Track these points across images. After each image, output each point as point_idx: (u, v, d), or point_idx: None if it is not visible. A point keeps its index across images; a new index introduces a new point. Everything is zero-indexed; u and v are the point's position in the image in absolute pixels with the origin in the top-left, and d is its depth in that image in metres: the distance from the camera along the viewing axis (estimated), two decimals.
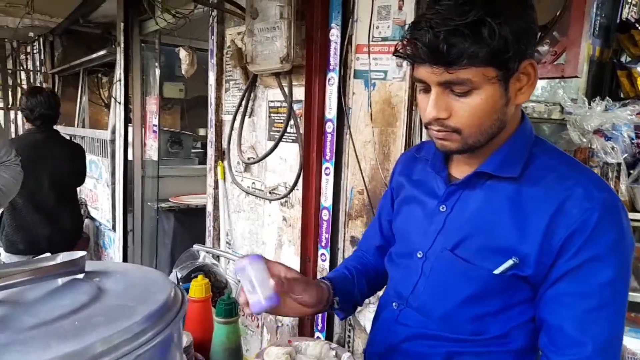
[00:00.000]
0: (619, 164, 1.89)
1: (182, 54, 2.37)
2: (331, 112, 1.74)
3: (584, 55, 1.16)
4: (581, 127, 1.94)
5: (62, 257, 0.59)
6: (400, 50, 0.77)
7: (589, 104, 1.97)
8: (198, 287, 1.30)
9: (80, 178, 3.19)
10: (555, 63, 1.21)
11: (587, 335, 0.72)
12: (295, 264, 1.96)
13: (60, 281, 0.57)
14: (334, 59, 1.71)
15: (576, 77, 1.16)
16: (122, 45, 3.41)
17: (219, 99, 2.40)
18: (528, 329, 0.81)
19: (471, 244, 0.81)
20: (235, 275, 0.83)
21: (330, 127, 1.75)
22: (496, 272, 0.77)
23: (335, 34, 1.70)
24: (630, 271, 0.76)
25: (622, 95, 2.27)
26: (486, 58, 0.69)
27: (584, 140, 1.95)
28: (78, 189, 4.44)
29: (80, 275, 0.59)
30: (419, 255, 0.89)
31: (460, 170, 0.87)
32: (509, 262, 0.76)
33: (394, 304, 0.94)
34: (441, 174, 0.89)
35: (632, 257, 0.76)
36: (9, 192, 1.64)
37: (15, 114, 6.88)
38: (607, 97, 1.99)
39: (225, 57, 2.34)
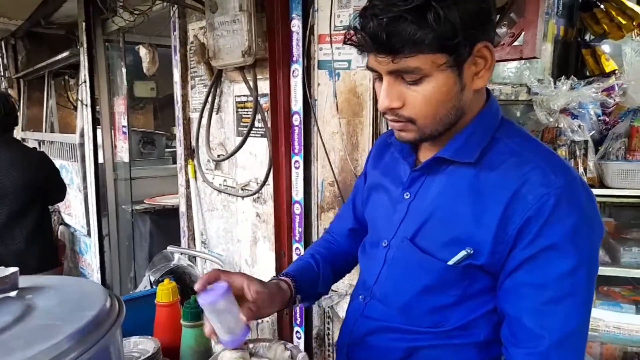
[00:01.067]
0: (586, 142, 1.90)
1: (142, 51, 2.31)
2: (297, 104, 1.71)
3: (541, 36, 1.15)
4: (548, 107, 1.95)
5: None
6: (349, 40, 0.74)
7: (555, 83, 1.98)
8: (165, 292, 1.27)
9: (39, 192, 2.50)
10: (514, 45, 1.20)
11: (544, 329, 0.70)
12: (271, 259, 1.94)
13: None
14: (297, 50, 1.67)
15: (535, 57, 1.16)
16: (85, 45, 3.31)
17: (185, 96, 2.35)
18: (492, 320, 0.79)
19: (429, 233, 0.80)
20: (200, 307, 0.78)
21: (297, 120, 1.72)
22: (450, 262, 0.76)
23: (296, 24, 1.66)
24: (597, 258, 0.73)
25: (587, 74, 2.29)
26: (433, 44, 0.66)
27: (551, 119, 1.96)
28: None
29: (13, 293, 0.55)
30: (383, 244, 0.87)
31: (426, 155, 0.84)
32: (462, 253, 0.74)
33: (360, 296, 0.92)
34: (408, 159, 0.87)
35: (599, 243, 0.74)
36: None
37: None
38: (573, 76, 2.00)
39: (189, 53, 2.29)
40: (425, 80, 0.70)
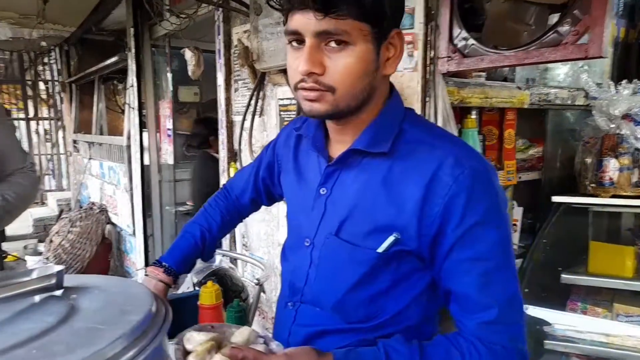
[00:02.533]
0: None
1: (188, 54, 2.34)
2: None
3: (608, 34, 1.06)
4: (608, 113, 1.83)
5: (38, 271, 0.55)
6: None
7: (616, 87, 1.85)
8: (208, 294, 1.26)
9: None
10: (578, 43, 1.12)
11: (490, 297, 0.73)
12: None
13: (37, 298, 0.52)
14: None
15: (601, 57, 1.07)
16: (133, 50, 3.41)
17: (228, 99, 2.36)
18: (421, 303, 0.81)
19: (353, 225, 0.80)
20: None
21: None
22: (380, 250, 0.77)
23: None
24: (510, 229, 0.78)
25: None
26: (365, 12, 0.69)
27: (612, 126, 1.84)
28: (98, 194, 4.49)
29: (59, 292, 0.54)
30: (306, 244, 0.86)
31: (337, 150, 0.84)
32: (391, 239, 0.76)
33: (289, 303, 0.90)
34: (322, 153, 0.86)
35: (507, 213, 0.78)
36: (27, 198, 1.54)
37: (37, 125, 7.03)
38: (635, 80, 1.87)
39: (233, 56, 2.30)
40: (349, 48, 0.71)
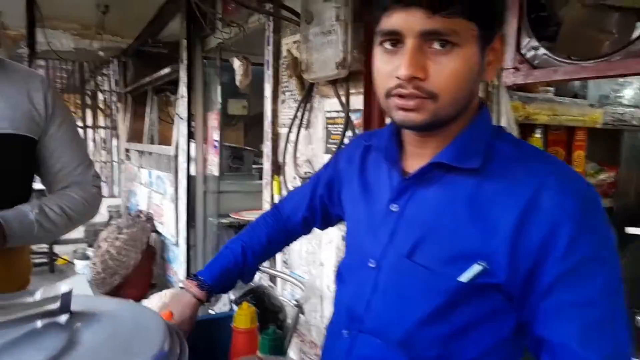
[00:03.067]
0: None
1: (236, 63, 2.32)
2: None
3: None
4: None
5: (43, 292, 0.47)
6: None
7: None
8: (242, 317, 1.17)
9: None
10: None
11: (595, 352, 0.60)
12: None
13: (40, 323, 0.45)
14: None
15: None
16: (185, 61, 3.46)
17: (275, 111, 2.31)
18: (505, 350, 0.69)
19: (430, 248, 0.69)
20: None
21: None
22: (462, 279, 0.65)
23: None
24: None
25: None
26: (476, 11, 0.63)
27: None
28: (145, 202, 4.55)
29: (63, 318, 0.46)
30: (371, 265, 0.76)
31: (413, 164, 0.75)
32: (476, 268, 0.65)
33: (344, 331, 0.79)
34: (396, 165, 0.77)
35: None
36: (77, 215, 1.29)
37: (94, 133, 7.36)
38: None
39: (281, 67, 2.25)
40: (456, 49, 0.63)
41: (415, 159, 0.74)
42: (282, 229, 1.10)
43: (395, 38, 0.64)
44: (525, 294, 0.64)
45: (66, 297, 0.47)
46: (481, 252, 0.65)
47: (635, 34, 1.14)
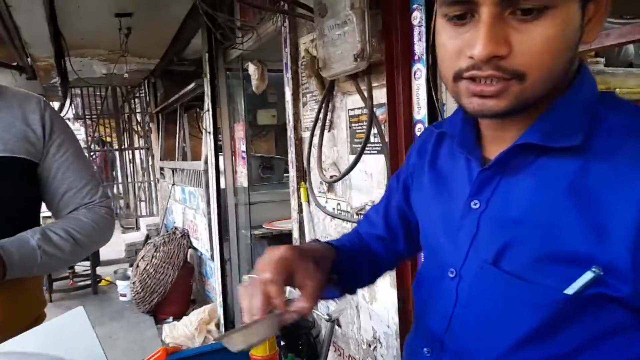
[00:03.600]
0: None
1: (251, 68, 2.24)
2: (420, 111, 1.42)
3: None
4: None
5: None
6: None
7: None
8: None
9: None
10: None
11: None
12: (392, 297, 1.64)
13: None
14: (419, 48, 1.40)
15: None
16: (208, 75, 3.43)
17: (296, 114, 2.21)
18: None
19: (522, 252, 0.55)
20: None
21: (420, 130, 1.43)
22: (569, 291, 0.51)
23: (418, 17, 1.39)
24: None
25: None
26: None
27: None
28: (181, 219, 4.55)
29: None
30: (451, 275, 0.63)
31: (495, 150, 0.61)
32: (589, 275, 0.50)
33: (425, 349, 0.67)
34: (474, 153, 0.63)
35: None
36: (87, 239, 1.20)
37: (132, 155, 7.53)
38: None
39: (300, 69, 2.15)
40: (549, 13, 0.49)
41: (497, 144, 0.61)
42: (363, 254, 0.86)
43: (466, 9, 0.51)
44: None
45: None
46: (593, 255, 0.50)
47: None
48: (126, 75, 3.89)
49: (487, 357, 0.59)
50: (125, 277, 4.72)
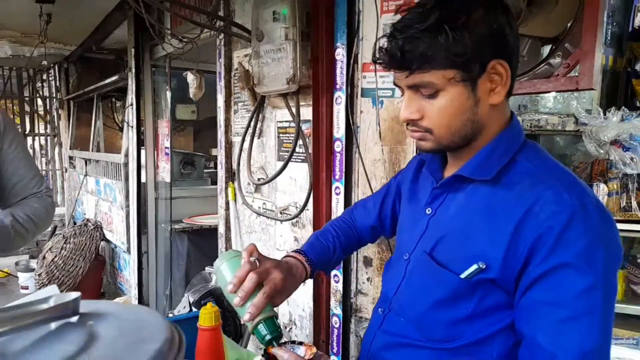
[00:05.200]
0: (639, 175, 1.82)
1: (190, 77, 2.39)
2: (339, 131, 1.71)
3: (598, 67, 1.12)
4: (597, 139, 1.88)
5: (55, 299, 0.57)
6: (373, 58, 0.82)
7: (604, 114, 1.91)
8: (207, 315, 1.27)
9: None
10: (569, 76, 1.17)
11: (558, 348, 0.68)
12: (309, 283, 1.92)
13: (53, 325, 0.55)
14: (341, 78, 1.69)
15: (592, 89, 1.12)
16: (134, 70, 3.46)
17: (228, 120, 2.40)
18: (508, 340, 0.77)
19: (446, 247, 0.81)
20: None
21: (339, 146, 1.72)
22: (462, 276, 0.77)
23: (341, 53, 1.68)
24: (614, 281, 0.72)
25: (638, 105, 2.20)
26: (444, 61, 0.72)
27: (601, 151, 1.88)
28: (93, 211, 4.48)
29: (74, 319, 0.56)
30: (405, 257, 0.90)
31: (450, 173, 0.86)
32: (474, 267, 0.75)
33: (380, 309, 0.94)
34: (435, 175, 0.90)
35: (616, 266, 0.72)
36: (41, 222, 1.43)
37: (33, 140, 7.04)
38: (623, 107, 1.93)
39: (233, 79, 2.35)
40: (440, 93, 0.75)
41: (452, 169, 0.86)
42: (352, 236, 1.16)
43: (401, 88, 0.80)
44: (515, 292, 0.74)
45: (76, 301, 0.57)
46: (483, 254, 0.74)
47: (540, 58, 1.35)
48: (45, 62, 3.74)
49: (413, 313, 0.85)
50: (28, 269, 4.51)
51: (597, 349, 0.68)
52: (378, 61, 0.79)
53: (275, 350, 0.84)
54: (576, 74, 1.16)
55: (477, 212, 0.78)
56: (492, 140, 0.80)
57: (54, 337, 0.51)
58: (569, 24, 1.19)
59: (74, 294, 0.58)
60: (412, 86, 0.77)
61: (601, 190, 1.84)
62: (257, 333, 0.87)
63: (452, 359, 0.80)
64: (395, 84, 0.81)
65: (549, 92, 1.31)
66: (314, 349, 0.86)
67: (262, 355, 0.86)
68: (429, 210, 0.87)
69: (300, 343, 0.89)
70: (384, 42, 0.77)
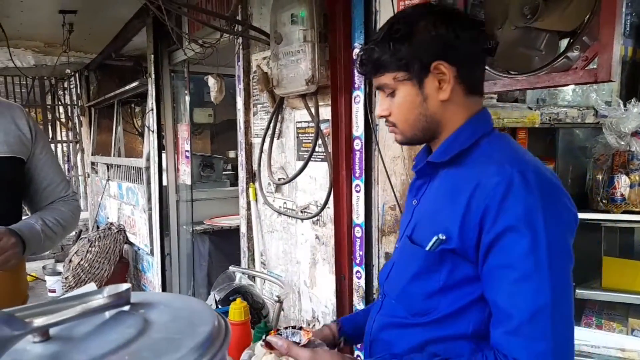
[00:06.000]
0: None
1: (211, 81, 2.44)
2: (358, 129, 1.74)
3: (617, 59, 1.13)
4: (618, 130, 1.88)
5: (109, 289, 0.62)
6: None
7: (624, 105, 1.91)
8: (237, 311, 1.33)
9: None
10: (587, 68, 1.18)
11: (514, 307, 0.74)
12: (330, 282, 1.96)
13: (107, 314, 0.59)
14: (359, 78, 1.72)
15: (610, 81, 1.13)
16: (153, 76, 3.54)
17: (247, 122, 2.45)
18: (483, 311, 0.82)
19: (420, 228, 0.91)
20: None
21: (358, 145, 1.75)
22: (427, 248, 0.85)
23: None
24: (561, 240, 0.77)
25: None
26: (392, 65, 0.88)
27: (622, 143, 1.88)
28: (115, 214, 4.57)
29: (126, 307, 0.60)
30: (396, 246, 1.03)
31: None
32: (434, 239, 0.84)
33: (379, 295, 1.04)
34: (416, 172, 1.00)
35: (563, 227, 0.77)
36: (68, 225, 1.49)
37: (55, 147, 7.21)
38: None
39: (252, 81, 2.39)
40: (396, 92, 0.91)
41: None
42: None
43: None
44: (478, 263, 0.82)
45: (128, 292, 0.61)
46: (445, 227, 0.83)
47: (558, 52, 1.36)
48: (69, 70, 3.85)
49: (396, 290, 0.94)
50: (55, 273, 4.63)
51: (548, 304, 0.73)
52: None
53: (270, 338, 0.90)
54: (595, 67, 1.17)
55: (444, 192, 0.88)
56: (456, 130, 0.91)
57: (113, 324, 0.56)
58: (586, 17, 1.20)
59: (125, 285, 0.62)
60: (378, 87, 0.93)
61: (622, 182, 1.84)
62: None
63: (432, 334, 0.87)
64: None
65: (567, 85, 1.32)
66: (310, 334, 0.93)
67: (262, 341, 0.93)
68: (415, 202, 0.98)
69: (300, 328, 0.95)
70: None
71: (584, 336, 1.85)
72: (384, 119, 0.96)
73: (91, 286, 1.22)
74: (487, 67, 1.48)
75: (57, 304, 0.59)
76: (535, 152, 2.18)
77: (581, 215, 1.96)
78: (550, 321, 0.73)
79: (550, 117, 1.97)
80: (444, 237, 0.83)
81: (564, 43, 1.41)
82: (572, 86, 2.24)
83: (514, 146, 0.89)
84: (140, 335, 0.50)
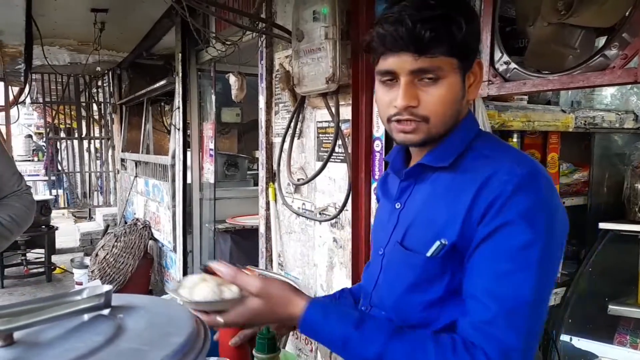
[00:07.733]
0: None
1: (232, 79, 2.43)
2: (379, 130, 1.68)
3: None
4: None
5: (88, 291, 0.58)
6: (373, 43, 0.79)
7: None
8: None
9: None
10: (626, 67, 1.09)
11: (493, 298, 0.71)
12: (346, 271, 1.90)
13: (86, 317, 0.56)
14: None
15: None
16: (180, 74, 3.57)
17: (268, 121, 2.42)
18: None
19: (414, 234, 0.84)
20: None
21: (378, 146, 1.69)
22: (428, 254, 0.79)
23: None
24: (557, 243, 0.75)
25: None
26: (454, 49, 0.76)
27: None
28: (142, 210, 4.65)
29: (106, 311, 0.57)
30: (380, 252, 0.92)
31: None
32: (437, 244, 0.78)
33: (363, 308, 0.96)
34: (399, 173, 0.91)
35: (561, 232, 0.76)
36: (22, 221, 1.48)
37: (89, 143, 7.42)
38: None
39: (274, 80, 2.36)
40: (441, 81, 0.77)
41: (415, 162, 0.88)
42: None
43: (393, 76, 0.79)
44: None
45: (108, 295, 0.58)
46: (445, 232, 0.77)
47: (594, 50, 1.27)
48: (99, 68, 3.94)
49: (390, 301, 0.86)
50: (83, 266, 4.73)
51: (529, 302, 0.70)
52: (385, 44, 0.77)
53: (212, 264, 0.82)
54: (635, 66, 1.07)
55: (439, 197, 0.81)
56: (451, 131, 0.83)
57: (85, 328, 0.52)
58: (627, 12, 1.10)
59: (106, 287, 0.59)
60: (417, 72, 0.76)
61: None
62: None
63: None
64: (386, 71, 0.79)
65: (603, 85, 1.23)
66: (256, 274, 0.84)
67: (201, 267, 0.85)
68: (398, 205, 0.90)
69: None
70: (385, 26, 0.77)
71: (618, 355, 1.74)
72: (396, 114, 0.80)
73: (96, 283, 1.21)
74: (516, 67, 1.40)
75: (31, 306, 0.55)
76: (569, 158, 2.08)
77: (617, 227, 1.86)
78: (528, 319, 0.71)
79: (585, 121, 1.85)
80: (446, 242, 0.77)
81: (600, 41, 1.32)
82: (610, 89, 2.11)
83: (509, 146, 0.86)
84: (108, 344, 0.47)
